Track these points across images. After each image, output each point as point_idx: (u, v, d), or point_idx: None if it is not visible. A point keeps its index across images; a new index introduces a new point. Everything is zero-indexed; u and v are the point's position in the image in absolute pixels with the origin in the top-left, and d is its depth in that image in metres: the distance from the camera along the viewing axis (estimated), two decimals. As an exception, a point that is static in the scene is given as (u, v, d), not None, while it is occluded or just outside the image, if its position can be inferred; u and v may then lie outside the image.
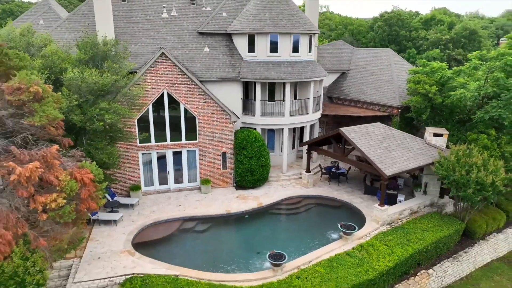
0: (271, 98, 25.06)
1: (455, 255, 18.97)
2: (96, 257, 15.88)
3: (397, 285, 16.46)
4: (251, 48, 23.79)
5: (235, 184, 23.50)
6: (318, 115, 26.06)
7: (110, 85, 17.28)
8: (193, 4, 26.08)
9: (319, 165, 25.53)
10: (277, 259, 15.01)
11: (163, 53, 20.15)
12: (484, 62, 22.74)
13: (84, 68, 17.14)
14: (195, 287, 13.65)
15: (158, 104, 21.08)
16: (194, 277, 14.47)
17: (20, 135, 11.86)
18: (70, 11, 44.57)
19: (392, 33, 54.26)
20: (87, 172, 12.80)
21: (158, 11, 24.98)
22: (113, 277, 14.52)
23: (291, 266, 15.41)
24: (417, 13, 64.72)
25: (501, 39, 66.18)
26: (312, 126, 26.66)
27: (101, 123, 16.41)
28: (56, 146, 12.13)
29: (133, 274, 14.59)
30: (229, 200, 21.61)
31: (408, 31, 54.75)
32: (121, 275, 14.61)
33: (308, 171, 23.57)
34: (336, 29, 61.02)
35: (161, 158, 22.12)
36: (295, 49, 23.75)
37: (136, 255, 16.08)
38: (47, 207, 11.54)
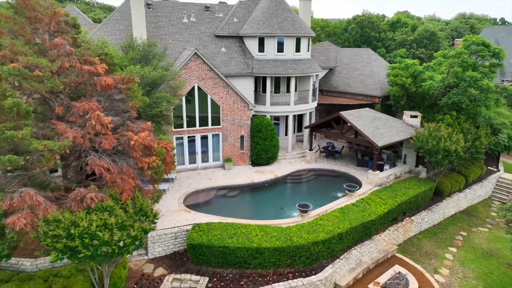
0: (277, 90, 29.91)
1: (429, 207, 24.69)
2: (160, 214, 20.06)
3: (390, 227, 21.81)
4: (261, 48, 28.53)
5: (250, 162, 28.15)
6: (315, 104, 31.20)
7: (160, 78, 21.47)
8: (207, 11, 30.43)
9: (318, 145, 30.69)
10: (304, 208, 19.92)
11: (195, 53, 24.45)
12: (446, 59, 28.75)
13: (136, 65, 21.21)
14: (248, 228, 18.27)
15: (190, 95, 25.34)
16: (244, 223, 19.07)
17: (126, 114, 15.97)
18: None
19: (364, 34, 60.66)
20: (167, 143, 17.10)
21: (179, 17, 29.13)
22: (181, 226, 18.85)
23: (313, 213, 20.37)
24: (384, 16, 71.74)
25: (456, 40, 74.57)
26: (310, 114, 31.73)
27: (158, 109, 20.60)
28: (149, 122, 16.37)
29: (196, 223, 18.96)
30: (250, 174, 26.27)
31: (378, 32, 61.36)
32: (187, 224, 18.95)
33: (311, 149, 28.64)
34: (314, 31, 66.78)
35: (191, 141, 26.38)
36: (297, 49, 28.74)
37: (192, 212, 20.43)
38: (150, 166, 15.77)
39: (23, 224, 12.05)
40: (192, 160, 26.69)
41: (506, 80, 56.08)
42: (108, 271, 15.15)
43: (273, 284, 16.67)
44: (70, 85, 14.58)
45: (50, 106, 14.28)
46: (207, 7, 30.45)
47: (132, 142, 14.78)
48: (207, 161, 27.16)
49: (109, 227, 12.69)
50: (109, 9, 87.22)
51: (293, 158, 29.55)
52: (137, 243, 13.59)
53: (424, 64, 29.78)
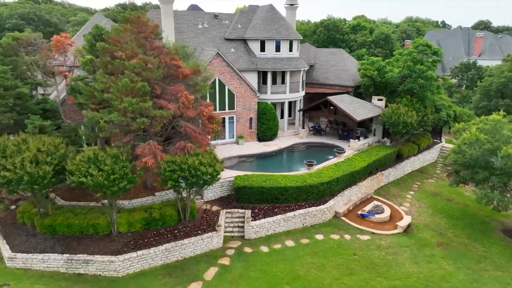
0: (274, 82, 37.59)
1: (393, 166, 33.49)
2: (205, 172, 27.01)
3: (368, 178, 30.23)
4: (262, 48, 36.09)
5: (257, 139, 35.61)
6: (303, 93, 39.25)
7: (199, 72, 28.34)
8: (216, 18, 37.50)
9: (307, 126, 38.77)
10: (310, 163, 27.82)
11: (218, 52, 31.54)
12: (402, 57, 37.88)
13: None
14: (274, 176, 25.80)
15: (212, 86, 32.33)
16: (270, 174, 26.57)
17: (198, 94, 22.87)
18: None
19: (330, 36, 69.94)
20: (219, 116, 24.26)
21: (195, 24, 35.97)
22: (225, 178, 25.95)
23: (316, 168, 28.29)
24: (345, 20, 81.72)
25: (405, 41, 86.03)
26: (300, 101, 39.69)
27: (199, 93, 27.52)
28: (210, 101, 23.44)
29: (235, 175, 26.16)
30: (259, 147, 33.76)
31: (342, 34, 70.91)
32: (228, 177, 26.09)
33: (303, 127, 36.66)
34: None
35: (212, 122, 33.30)
36: (290, 49, 36.61)
37: (227, 171, 27.48)
38: (213, 130, 22.88)
39: (151, 163, 18.93)
40: (212, 138, 33.65)
41: (446, 75, 67.66)
42: (189, 204, 22.13)
43: (296, 211, 24.40)
44: (164, 74, 21.36)
45: (153, 88, 20.95)
46: (215, 16, 37.53)
47: (205, 113, 21.95)
48: (224, 138, 34.29)
49: (204, 164, 19.77)
50: (92, 12, 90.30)
51: (289, 136, 37.41)
52: (218, 176, 20.69)
53: (386, 60, 38.84)
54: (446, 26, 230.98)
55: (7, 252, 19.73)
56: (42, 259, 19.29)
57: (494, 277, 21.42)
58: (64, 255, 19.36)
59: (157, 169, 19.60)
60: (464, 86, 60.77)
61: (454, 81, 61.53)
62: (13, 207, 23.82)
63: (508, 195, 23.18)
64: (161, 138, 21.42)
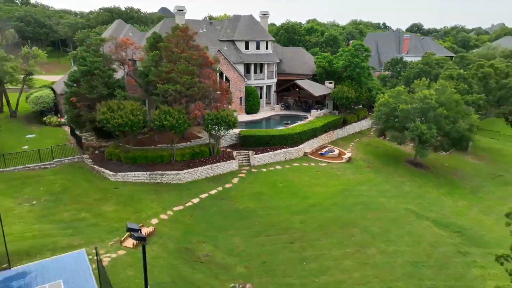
0: (255, 71, 51.39)
1: (341, 128, 48.61)
2: (218, 130, 40.42)
3: (323, 134, 44.99)
4: (246, 47, 49.80)
5: (245, 112, 49.25)
6: (275, 80, 53.45)
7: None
8: (211, 24, 50.65)
9: (283, 104, 53.09)
10: (287, 123, 42.11)
11: (218, 50, 44.78)
12: (344, 53, 53.23)
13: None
14: (265, 130, 39.72)
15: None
16: (261, 129, 40.44)
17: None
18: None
19: (290, 37, 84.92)
20: (227, 87, 37.75)
21: (197, 29, 48.83)
22: (232, 132, 39.36)
23: (291, 126, 42.61)
24: (301, 23, 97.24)
25: (350, 41, 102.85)
26: (274, 85, 53.76)
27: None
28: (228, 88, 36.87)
29: (240, 130, 39.67)
30: (249, 117, 47.45)
31: (299, 36, 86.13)
32: (236, 132, 39.55)
33: (277, 104, 50.91)
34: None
35: (214, 100, 46.43)
36: (266, 47, 50.65)
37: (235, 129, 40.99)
38: (228, 98, 36.30)
39: (199, 114, 32.14)
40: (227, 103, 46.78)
41: (382, 69, 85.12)
42: (216, 144, 35.45)
43: (280, 150, 38.49)
44: (200, 62, 34.42)
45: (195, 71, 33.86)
46: (210, 22, 50.68)
47: (224, 87, 35.43)
48: (223, 112, 47.46)
49: (228, 115, 33.24)
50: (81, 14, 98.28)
51: (267, 110, 51.49)
52: (236, 123, 34.21)
53: (334, 55, 54.17)
54: (387, 27, 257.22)
55: (109, 172, 31.91)
56: (134, 175, 31.73)
57: (380, 180, 36.94)
58: (147, 172, 31.94)
59: (200, 119, 32.77)
60: (394, 76, 78.30)
61: (387, 73, 78.86)
62: (96, 152, 35.66)
63: (405, 133, 38.83)
64: (201, 102, 34.42)
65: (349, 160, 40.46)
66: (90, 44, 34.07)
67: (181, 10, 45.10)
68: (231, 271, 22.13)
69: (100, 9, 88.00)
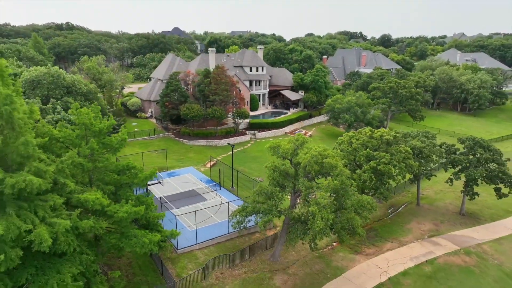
0: (256, 85, 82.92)
1: (308, 119, 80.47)
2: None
3: (296, 122, 76.71)
4: (250, 70, 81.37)
5: (250, 110, 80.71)
6: (268, 89, 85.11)
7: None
8: (228, 56, 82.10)
9: (273, 105, 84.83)
10: (275, 116, 73.93)
11: (235, 74, 76.20)
12: (311, 72, 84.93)
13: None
14: (265, 119, 71.34)
15: (232, 87, 76.92)
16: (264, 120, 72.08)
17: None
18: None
19: (277, 56, 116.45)
20: (242, 96, 69.30)
21: (221, 58, 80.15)
22: (246, 121, 70.92)
23: (278, 117, 74.37)
24: (286, 44, 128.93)
25: (323, 56, 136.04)
26: (267, 93, 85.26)
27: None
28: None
29: (250, 120, 71.17)
30: (252, 113, 78.96)
31: (283, 54, 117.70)
32: (247, 121, 71.08)
33: (269, 104, 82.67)
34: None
35: (232, 103, 78.04)
36: (262, 70, 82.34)
37: (244, 119, 72.64)
38: (242, 101, 67.69)
39: (231, 110, 63.82)
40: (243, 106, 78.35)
41: (344, 79, 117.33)
42: (237, 126, 67.06)
43: (271, 130, 70.12)
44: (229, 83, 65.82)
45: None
46: (227, 55, 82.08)
47: (240, 97, 67.28)
48: (236, 110, 79.09)
49: (244, 111, 64.82)
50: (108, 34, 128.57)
51: (263, 109, 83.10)
52: (248, 116, 65.70)
53: (307, 72, 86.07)
54: (362, 35, 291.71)
55: (185, 140, 63.03)
56: (198, 141, 62.95)
57: (322, 143, 69.02)
58: (204, 140, 63.15)
59: (231, 113, 64.25)
60: (351, 84, 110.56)
61: (348, 81, 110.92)
62: (174, 131, 66.61)
63: (339, 120, 70.50)
64: (230, 104, 65.57)
65: (310, 136, 72.16)
66: (172, 74, 65.16)
67: (212, 51, 76.31)
68: (254, 174, 53.52)
69: (136, 34, 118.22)
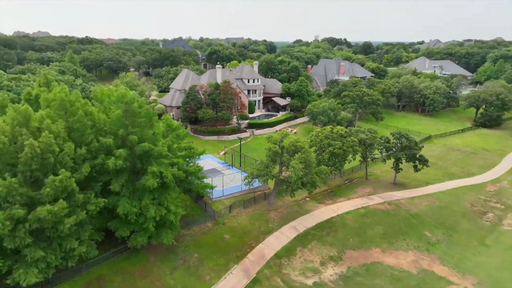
0: (253, 93, 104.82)
1: (293, 120, 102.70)
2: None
3: (284, 123, 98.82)
4: (248, 81, 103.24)
5: (248, 113, 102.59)
6: (262, 96, 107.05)
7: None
8: (231, 70, 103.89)
9: (266, 108, 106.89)
10: (268, 118, 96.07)
11: (237, 85, 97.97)
12: (296, 82, 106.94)
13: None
14: (261, 120, 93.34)
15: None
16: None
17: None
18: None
19: (268, 66, 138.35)
20: (243, 102, 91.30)
21: (226, 72, 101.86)
22: (246, 122, 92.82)
23: (270, 118, 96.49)
24: (276, 57, 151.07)
25: (308, 66, 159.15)
26: (261, 100, 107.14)
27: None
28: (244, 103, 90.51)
29: (249, 121, 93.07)
30: (250, 115, 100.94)
31: (274, 65, 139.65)
32: (247, 122, 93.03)
33: (263, 108, 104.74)
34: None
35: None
36: (258, 81, 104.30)
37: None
38: (243, 107, 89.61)
39: (235, 113, 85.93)
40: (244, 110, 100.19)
41: (325, 86, 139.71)
42: (239, 126, 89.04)
43: (266, 128, 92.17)
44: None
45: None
46: (230, 70, 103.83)
47: (241, 103, 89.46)
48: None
49: (245, 114, 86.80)
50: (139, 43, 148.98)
51: (258, 112, 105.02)
52: (248, 118, 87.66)
53: (293, 82, 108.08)
54: (347, 42, 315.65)
55: (201, 136, 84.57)
56: (211, 137, 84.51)
57: (303, 138, 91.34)
58: (216, 136, 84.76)
59: (235, 115, 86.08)
60: (330, 91, 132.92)
61: (328, 87, 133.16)
62: (193, 129, 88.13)
63: (316, 121, 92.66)
64: (235, 109, 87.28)
65: (295, 133, 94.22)
66: (191, 87, 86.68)
67: (219, 67, 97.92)
68: (254, 159, 75.27)
69: (149, 49, 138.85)
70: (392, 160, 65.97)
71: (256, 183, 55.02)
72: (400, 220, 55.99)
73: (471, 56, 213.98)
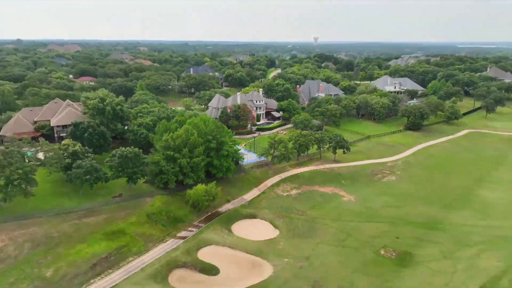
0: (259, 109, 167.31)
1: (284, 126, 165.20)
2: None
3: (278, 127, 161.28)
4: (257, 102, 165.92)
5: (256, 122, 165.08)
6: (264, 111, 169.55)
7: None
8: (245, 95, 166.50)
9: (267, 118, 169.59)
10: (269, 124, 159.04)
11: (249, 105, 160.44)
12: (286, 101, 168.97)
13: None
14: (262, 126, 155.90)
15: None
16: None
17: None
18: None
19: (269, 88, 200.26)
20: (253, 116, 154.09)
21: (242, 96, 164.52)
22: (255, 127, 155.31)
23: (270, 125, 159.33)
24: (274, 81, 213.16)
25: (297, 85, 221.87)
26: (264, 113, 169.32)
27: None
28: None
29: (257, 126, 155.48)
30: (257, 123, 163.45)
31: (272, 87, 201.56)
32: (255, 127, 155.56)
33: (265, 118, 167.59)
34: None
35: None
36: (262, 101, 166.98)
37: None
38: (254, 118, 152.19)
39: (249, 123, 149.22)
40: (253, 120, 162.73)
41: (308, 101, 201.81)
42: (252, 129, 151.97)
43: (268, 131, 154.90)
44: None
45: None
46: (245, 94, 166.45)
47: (252, 116, 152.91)
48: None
49: (255, 123, 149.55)
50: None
51: (262, 121, 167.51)
52: (256, 125, 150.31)
53: (284, 101, 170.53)
54: (334, 58, 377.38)
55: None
56: (237, 136, 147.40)
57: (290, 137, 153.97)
58: (240, 136, 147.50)
59: (249, 124, 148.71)
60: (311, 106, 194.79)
61: (310, 103, 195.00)
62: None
63: (304, 128, 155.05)
64: (249, 120, 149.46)
65: (284, 134, 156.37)
66: (224, 107, 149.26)
67: (239, 94, 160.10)
68: (260, 148, 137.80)
69: (187, 76, 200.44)
70: (332, 148, 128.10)
71: (263, 158, 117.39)
72: (332, 175, 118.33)
73: (426, 74, 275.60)
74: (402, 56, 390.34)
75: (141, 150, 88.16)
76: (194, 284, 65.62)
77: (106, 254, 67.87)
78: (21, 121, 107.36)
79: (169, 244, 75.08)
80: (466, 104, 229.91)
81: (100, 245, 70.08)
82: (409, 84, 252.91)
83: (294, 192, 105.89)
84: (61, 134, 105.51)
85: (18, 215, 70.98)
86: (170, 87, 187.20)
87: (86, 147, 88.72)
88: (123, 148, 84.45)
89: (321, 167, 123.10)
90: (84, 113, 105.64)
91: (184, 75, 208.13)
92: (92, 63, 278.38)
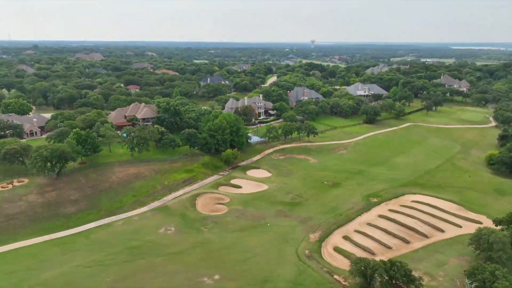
0: (259, 108, 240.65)
1: (278, 120, 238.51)
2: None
3: (274, 121, 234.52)
4: (258, 103, 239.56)
5: (258, 117, 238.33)
6: (264, 109, 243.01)
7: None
8: (250, 98, 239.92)
9: (265, 115, 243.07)
10: (268, 117, 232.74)
11: (252, 105, 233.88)
12: (279, 104, 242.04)
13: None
14: (262, 120, 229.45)
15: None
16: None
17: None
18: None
19: (267, 93, 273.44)
20: (256, 113, 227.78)
21: (249, 99, 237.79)
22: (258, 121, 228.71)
23: (268, 120, 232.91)
24: (271, 86, 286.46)
25: (288, 91, 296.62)
26: (263, 111, 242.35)
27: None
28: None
29: (259, 121, 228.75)
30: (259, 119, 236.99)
31: (269, 93, 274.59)
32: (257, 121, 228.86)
33: (264, 115, 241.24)
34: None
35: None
36: (261, 103, 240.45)
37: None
38: (256, 115, 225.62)
39: (254, 116, 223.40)
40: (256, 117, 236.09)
41: (295, 104, 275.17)
42: (256, 123, 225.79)
43: (263, 123, 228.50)
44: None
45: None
46: (250, 98, 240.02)
47: (255, 112, 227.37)
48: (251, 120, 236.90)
49: (258, 118, 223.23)
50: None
51: (262, 117, 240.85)
52: (259, 118, 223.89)
53: (277, 103, 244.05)
54: (322, 66, 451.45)
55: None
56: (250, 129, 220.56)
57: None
58: (252, 126, 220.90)
59: (253, 118, 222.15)
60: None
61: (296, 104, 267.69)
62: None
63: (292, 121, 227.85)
64: (253, 117, 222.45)
65: (277, 125, 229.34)
66: (237, 107, 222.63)
67: (246, 98, 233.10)
68: (262, 134, 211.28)
69: (207, 84, 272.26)
70: (306, 133, 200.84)
71: (262, 139, 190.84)
72: (305, 149, 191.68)
73: (390, 81, 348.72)
74: (379, 63, 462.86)
75: (196, 130, 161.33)
76: (230, 190, 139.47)
77: (187, 178, 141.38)
78: (118, 115, 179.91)
79: (215, 177, 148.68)
80: (417, 104, 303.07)
81: (182, 175, 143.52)
82: (376, 89, 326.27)
83: (281, 157, 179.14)
84: (145, 124, 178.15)
85: (143, 160, 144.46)
86: (194, 92, 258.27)
87: (165, 129, 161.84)
88: (188, 130, 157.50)
89: (298, 144, 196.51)
90: (158, 111, 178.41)
91: (204, 83, 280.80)
92: (123, 72, 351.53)
